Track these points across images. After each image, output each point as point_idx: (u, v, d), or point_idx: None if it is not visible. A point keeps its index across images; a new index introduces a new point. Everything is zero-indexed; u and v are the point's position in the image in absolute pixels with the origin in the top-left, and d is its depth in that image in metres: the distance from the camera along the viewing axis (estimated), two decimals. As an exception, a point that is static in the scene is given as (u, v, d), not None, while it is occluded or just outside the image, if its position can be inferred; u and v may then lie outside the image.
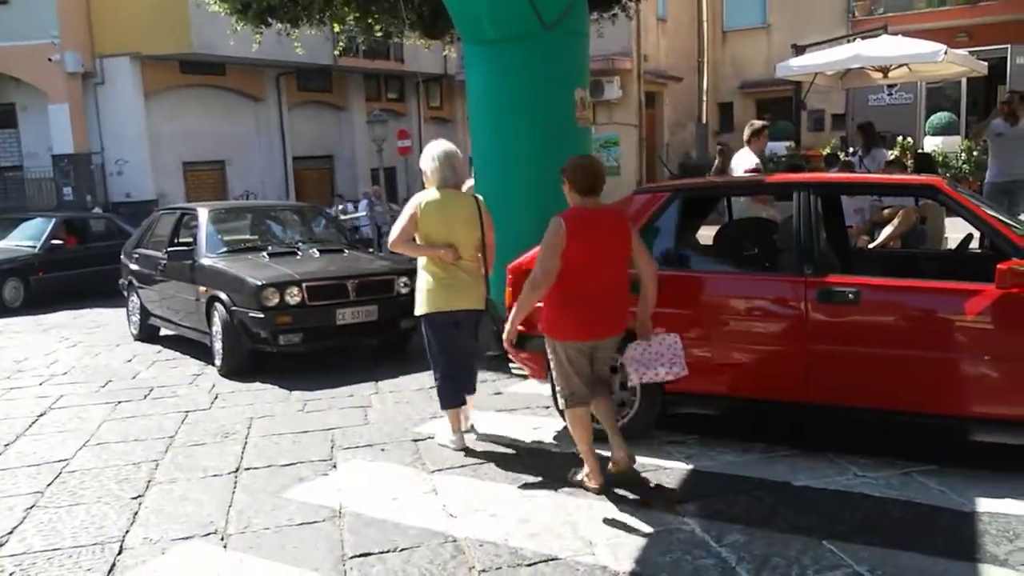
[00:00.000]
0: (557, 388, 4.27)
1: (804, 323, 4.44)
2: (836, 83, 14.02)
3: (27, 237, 12.80)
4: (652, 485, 4.27)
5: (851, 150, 12.95)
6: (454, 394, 4.99)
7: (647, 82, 21.53)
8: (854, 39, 14.12)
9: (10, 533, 3.99)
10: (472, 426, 5.23)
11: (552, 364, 4.23)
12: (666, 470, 4.45)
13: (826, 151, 14.88)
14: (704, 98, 23.45)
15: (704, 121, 23.47)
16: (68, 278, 12.62)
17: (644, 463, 4.53)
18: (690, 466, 4.49)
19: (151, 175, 20.33)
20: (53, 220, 13.20)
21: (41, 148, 19.86)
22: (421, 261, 4.97)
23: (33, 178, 20.11)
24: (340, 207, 19.19)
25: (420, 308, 4.92)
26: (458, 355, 4.97)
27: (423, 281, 4.91)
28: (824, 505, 3.94)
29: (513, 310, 4.25)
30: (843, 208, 6.17)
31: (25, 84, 19.41)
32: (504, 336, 4.30)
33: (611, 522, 3.84)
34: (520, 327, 4.24)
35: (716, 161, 9.88)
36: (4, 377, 7.53)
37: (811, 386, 4.48)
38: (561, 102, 6.97)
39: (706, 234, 6.18)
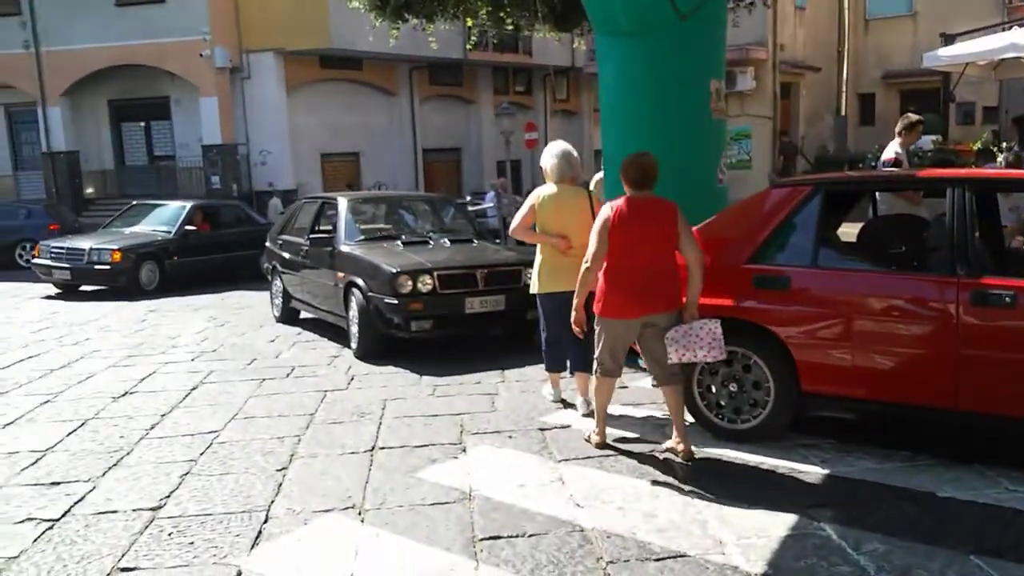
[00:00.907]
0: (595, 357, 4.73)
1: (955, 326, 4.21)
2: (989, 73, 13.19)
3: (163, 223, 13.51)
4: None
5: (1004, 144, 12.11)
6: (556, 360, 5.69)
7: (782, 72, 20.82)
8: (1010, 27, 13.21)
9: (167, 497, 4.30)
10: (592, 410, 5.29)
11: (598, 337, 4.66)
12: (801, 473, 4.33)
13: (977, 146, 13.99)
14: (844, 89, 22.48)
15: (843, 113, 22.49)
16: (200, 263, 13.27)
17: (777, 465, 4.43)
18: (826, 471, 4.35)
19: (291, 165, 21.31)
20: (187, 207, 13.77)
21: (192, 139, 21.14)
22: (538, 247, 5.58)
23: (184, 167, 21.46)
24: (468, 198, 19.55)
25: (533, 288, 5.65)
26: (570, 333, 5.25)
27: (537, 265, 5.59)
28: (971, 518, 3.74)
29: (575, 293, 4.73)
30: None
31: (179, 78, 20.68)
32: (572, 318, 4.79)
33: (742, 523, 3.77)
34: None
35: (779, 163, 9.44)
36: (160, 352, 8.10)
37: (960, 393, 4.26)
38: (696, 94, 6.82)
39: (847, 231, 5.95)
